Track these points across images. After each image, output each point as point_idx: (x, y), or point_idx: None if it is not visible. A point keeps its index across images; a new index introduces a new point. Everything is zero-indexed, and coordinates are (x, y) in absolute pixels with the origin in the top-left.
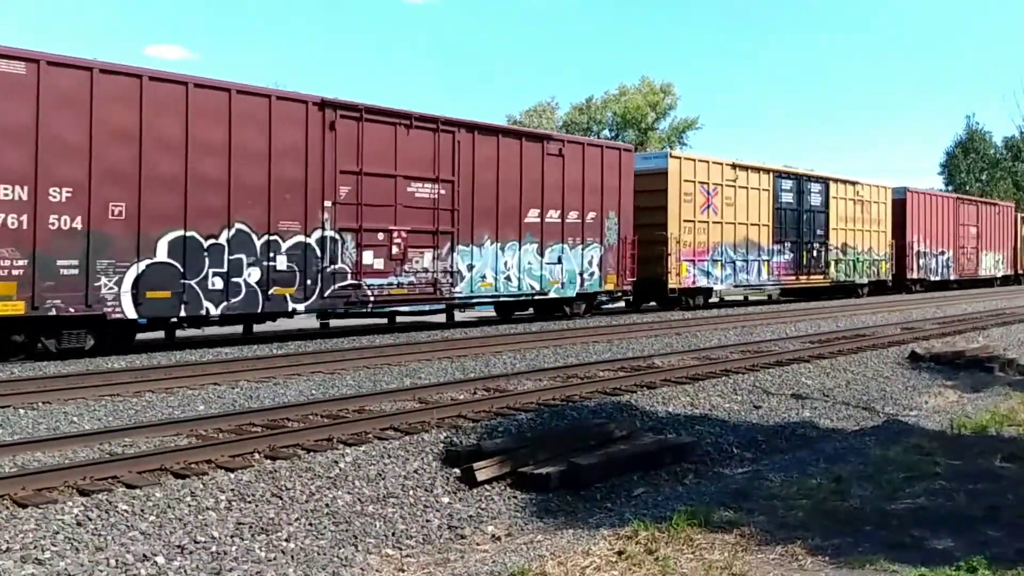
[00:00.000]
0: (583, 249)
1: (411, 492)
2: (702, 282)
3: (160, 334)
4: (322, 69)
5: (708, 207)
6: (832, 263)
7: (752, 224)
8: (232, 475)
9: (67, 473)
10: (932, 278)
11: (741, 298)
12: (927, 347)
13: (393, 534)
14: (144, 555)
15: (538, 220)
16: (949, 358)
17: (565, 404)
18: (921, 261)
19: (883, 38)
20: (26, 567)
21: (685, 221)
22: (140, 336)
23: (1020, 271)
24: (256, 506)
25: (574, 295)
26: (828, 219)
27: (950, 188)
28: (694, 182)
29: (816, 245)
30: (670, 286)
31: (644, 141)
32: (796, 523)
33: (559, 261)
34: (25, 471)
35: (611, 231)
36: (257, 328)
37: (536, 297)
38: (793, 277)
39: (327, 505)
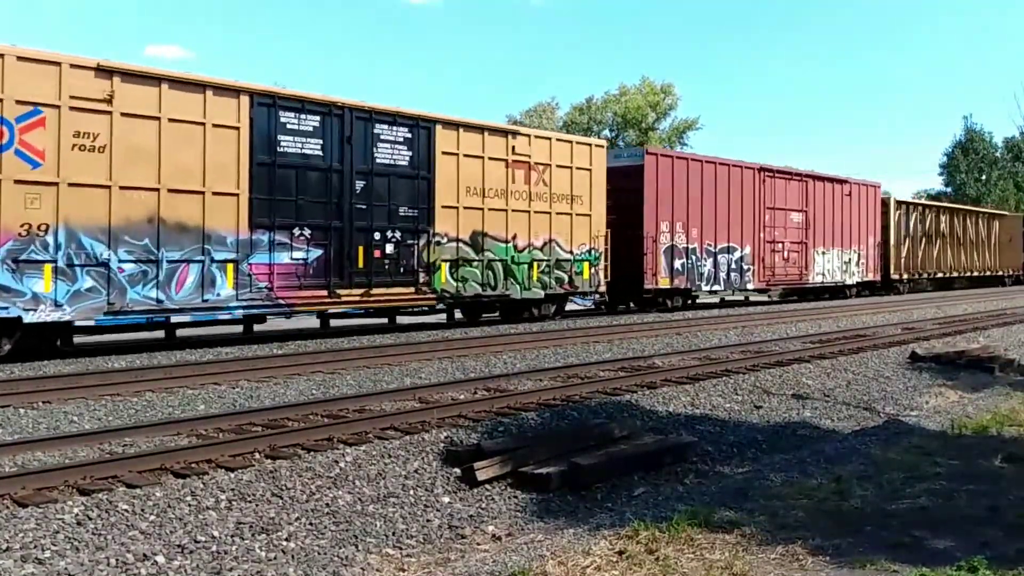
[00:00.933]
0: None
1: (411, 492)
2: None
3: (160, 333)
4: (322, 69)
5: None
6: (444, 266)
7: (182, 191)
8: (232, 475)
9: (67, 473)
10: (707, 287)
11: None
12: (928, 347)
13: (393, 534)
14: (144, 554)
15: None
16: (950, 358)
17: (566, 404)
18: (679, 263)
19: (883, 38)
20: (26, 566)
21: None
22: (141, 336)
23: (897, 276)
24: (256, 506)
25: None
26: (432, 190)
27: (950, 189)
28: None
29: (394, 235)
30: None
31: (644, 142)
32: (797, 523)
33: None
34: (25, 471)
35: None
36: (258, 327)
37: None
38: (319, 291)
39: (327, 505)
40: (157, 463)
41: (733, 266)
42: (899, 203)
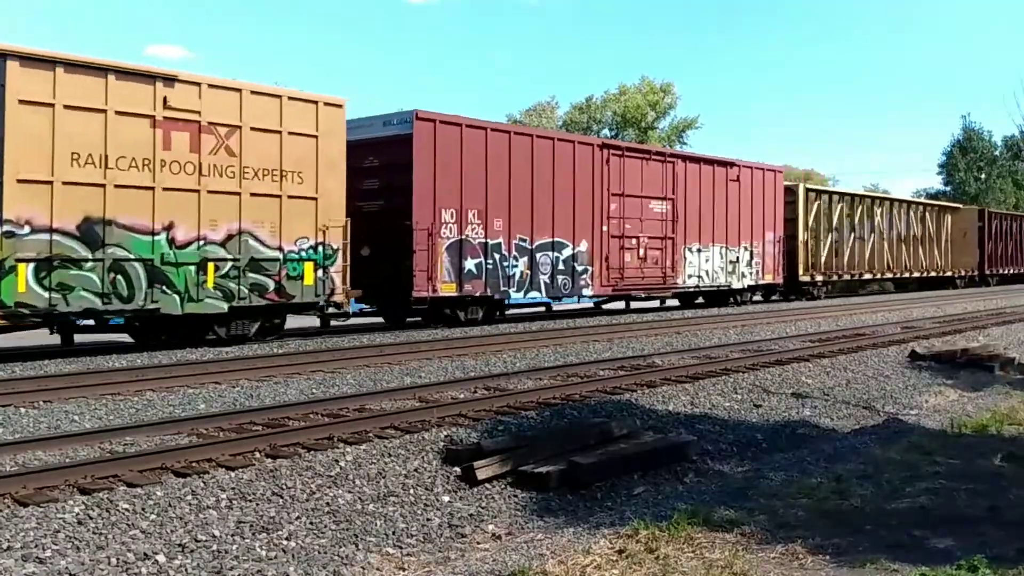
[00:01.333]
0: None
1: (412, 491)
2: None
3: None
4: (322, 69)
5: None
6: (22, 269)
7: None
8: (233, 474)
9: (68, 472)
10: (519, 293)
11: None
12: (927, 346)
13: (394, 533)
14: (145, 554)
15: None
16: (949, 357)
17: (565, 403)
18: (473, 262)
19: (883, 38)
20: (27, 566)
21: None
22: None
23: (809, 279)
24: (257, 505)
25: None
26: None
27: (949, 188)
28: None
29: None
30: None
31: (644, 140)
32: (796, 522)
33: None
34: (26, 470)
35: None
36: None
37: None
38: None
39: (328, 504)
40: (158, 462)
41: (561, 267)
42: (815, 192)
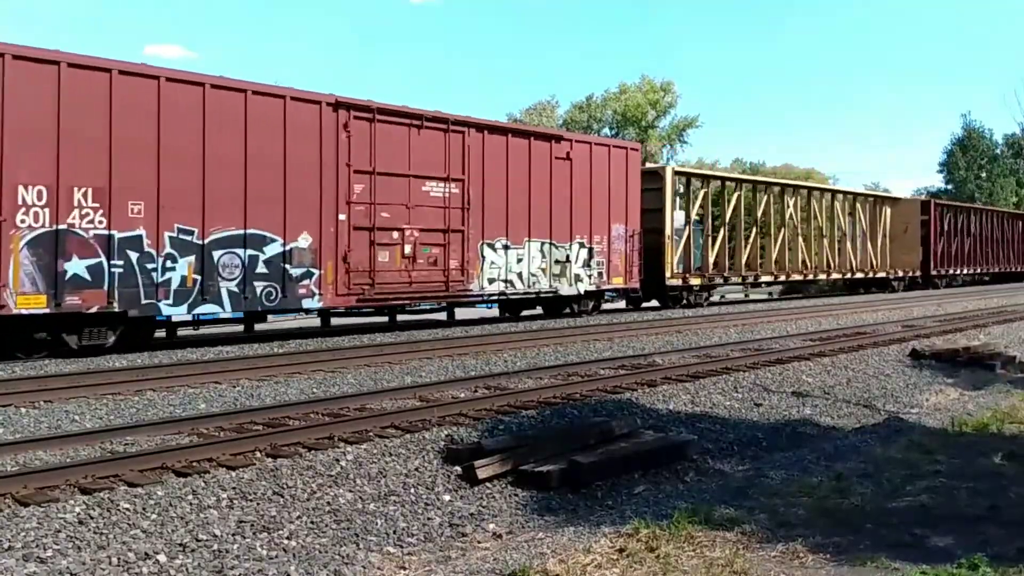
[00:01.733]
0: None
1: (412, 490)
2: None
3: (161, 332)
4: (323, 68)
5: None
6: None
7: None
8: (233, 473)
9: (69, 472)
10: (182, 308)
11: None
12: (928, 344)
13: (394, 532)
14: (146, 553)
15: None
16: (950, 356)
17: (566, 402)
18: (82, 264)
19: (884, 37)
20: (28, 565)
21: None
22: None
23: (680, 282)
24: (258, 504)
25: None
26: None
27: (950, 187)
28: None
29: None
30: None
31: (645, 139)
32: (797, 521)
33: None
34: (27, 470)
35: None
36: (258, 326)
37: None
38: None
39: (328, 503)
40: (158, 462)
41: (263, 269)
42: (700, 178)
